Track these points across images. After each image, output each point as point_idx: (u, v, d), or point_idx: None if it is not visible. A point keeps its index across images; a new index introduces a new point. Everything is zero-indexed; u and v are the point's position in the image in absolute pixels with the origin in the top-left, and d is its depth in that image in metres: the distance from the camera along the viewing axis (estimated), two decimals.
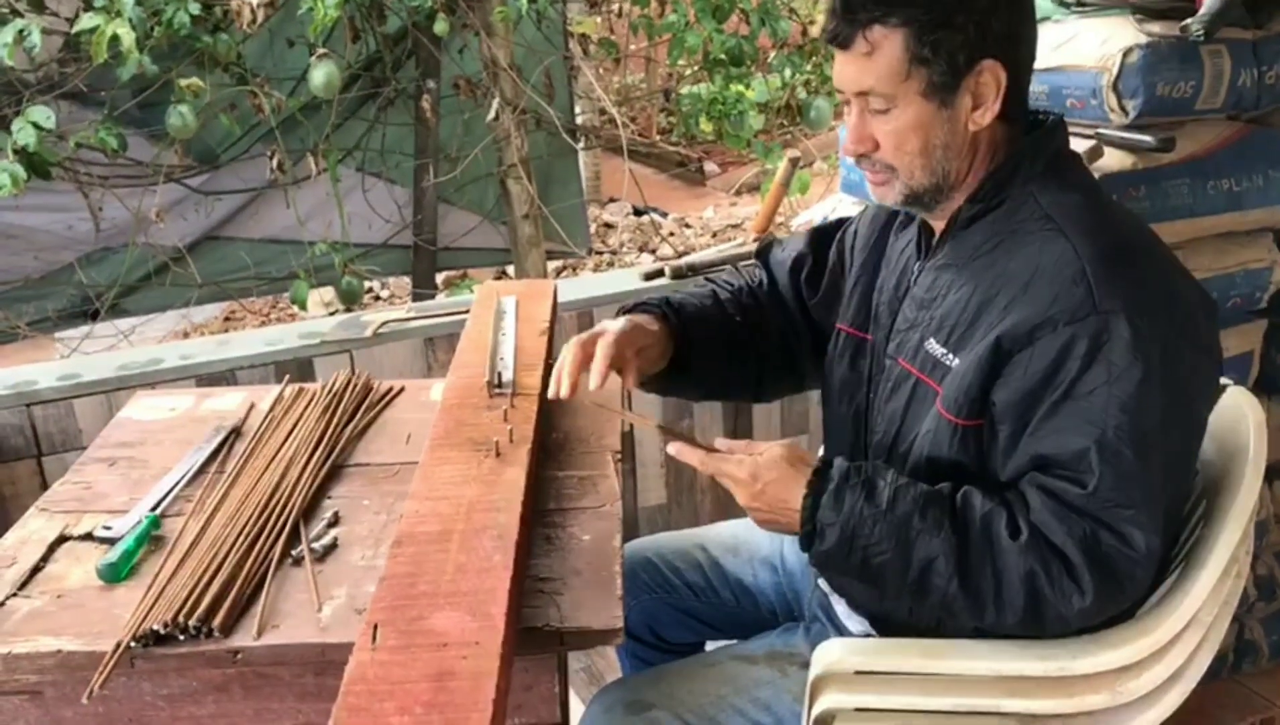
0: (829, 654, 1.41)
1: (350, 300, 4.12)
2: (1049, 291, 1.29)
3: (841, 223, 1.72)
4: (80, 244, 4.12)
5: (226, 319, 5.62)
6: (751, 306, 1.72)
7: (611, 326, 1.54)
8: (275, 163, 3.89)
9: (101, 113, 3.76)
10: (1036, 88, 2.00)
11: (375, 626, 1.12)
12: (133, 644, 1.24)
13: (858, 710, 1.39)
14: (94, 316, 4.16)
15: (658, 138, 7.16)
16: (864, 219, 1.66)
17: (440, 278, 4.99)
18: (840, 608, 1.58)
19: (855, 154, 1.42)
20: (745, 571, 1.76)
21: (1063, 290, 1.28)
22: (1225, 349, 2.07)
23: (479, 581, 1.20)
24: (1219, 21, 1.81)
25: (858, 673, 1.40)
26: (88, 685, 1.22)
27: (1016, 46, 1.36)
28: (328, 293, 4.89)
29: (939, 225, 1.47)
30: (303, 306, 4.09)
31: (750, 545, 1.78)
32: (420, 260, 4.71)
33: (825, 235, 1.73)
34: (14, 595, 1.36)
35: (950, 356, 1.38)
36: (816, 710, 1.39)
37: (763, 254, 1.78)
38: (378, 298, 6.04)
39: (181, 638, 1.26)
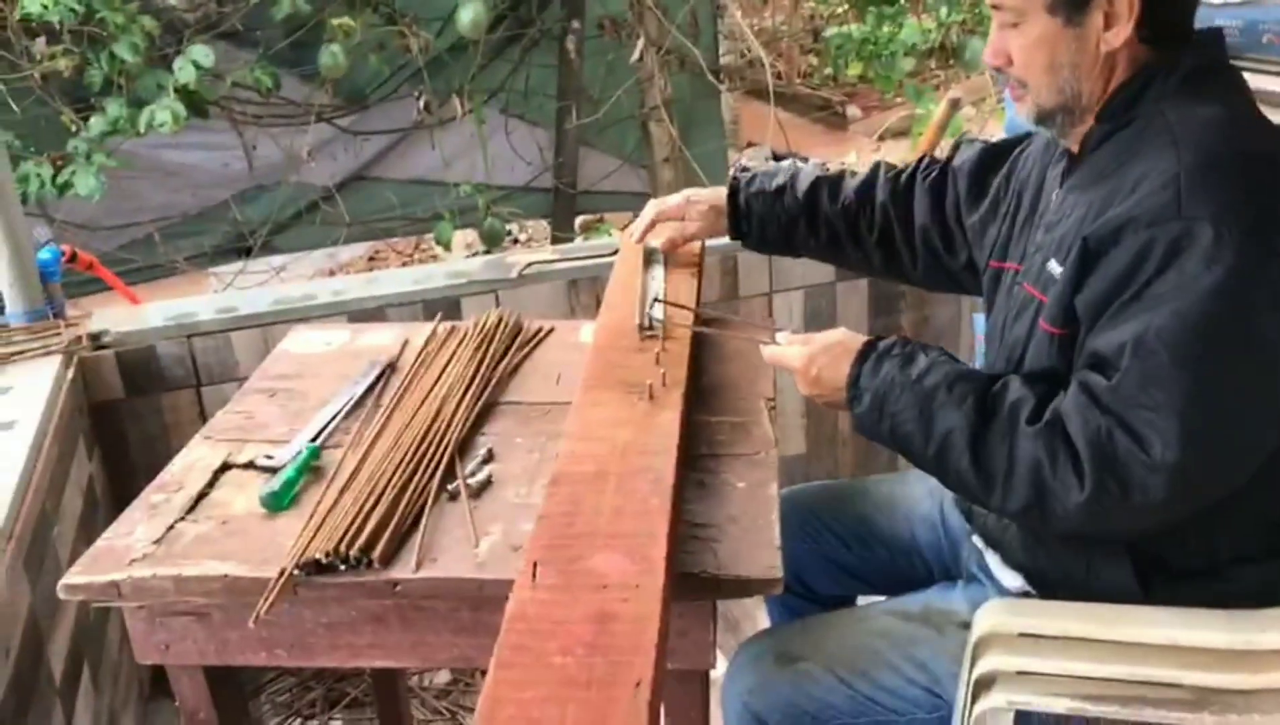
0: (993, 615, 1.36)
1: (493, 242, 4.15)
2: (1140, 194, 1.24)
3: (1021, 140, 1.65)
4: (235, 182, 4.22)
5: (370, 259, 5.73)
6: (891, 192, 1.75)
7: (670, 198, 1.85)
8: (422, 103, 3.92)
9: (256, 53, 3.83)
10: (1229, 23, 1.86)
11: (535, 564, 1.11)
12: (296, 572, 1.26)
13: (1020, 674, 1.33)
14: (247, 253, 4.27)
15: (799, 81, 7.01)
16: (1036, 146, 1.59)
17: (577, 222, 4.99)
18: (993, 562, 1.52)
19: (992, 66, 1.42)
20: (902, 527, 1.71)
21: (1151, 192, 1.23)
22: None
23: (637, 524, 1.19)
24: None
25: (1022, 635, 1.34)
26: (252, 609, 1.24)
27: None
28: (469, 234, 4.94)
29: (1075, 149, 1.42)
30: (447, 247, 4.14)
31: (908, 502, 1.73)
32: (560, 203, 4.71)
33: (998, 152, 1.68)
34: (182, 519, 1.39)
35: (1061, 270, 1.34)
36: (978, 672, 1.34)
37: (957, 146, 1.78)
38: (515, 241, 6.08)
39: (342, 567, 1.27)
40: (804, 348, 1.45)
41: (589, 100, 4.34)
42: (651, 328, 1.64)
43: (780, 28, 7.10)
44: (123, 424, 2.42)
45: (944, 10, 3.94)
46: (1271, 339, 1.21)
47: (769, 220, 1.80)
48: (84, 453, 2.25)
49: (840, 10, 4.62)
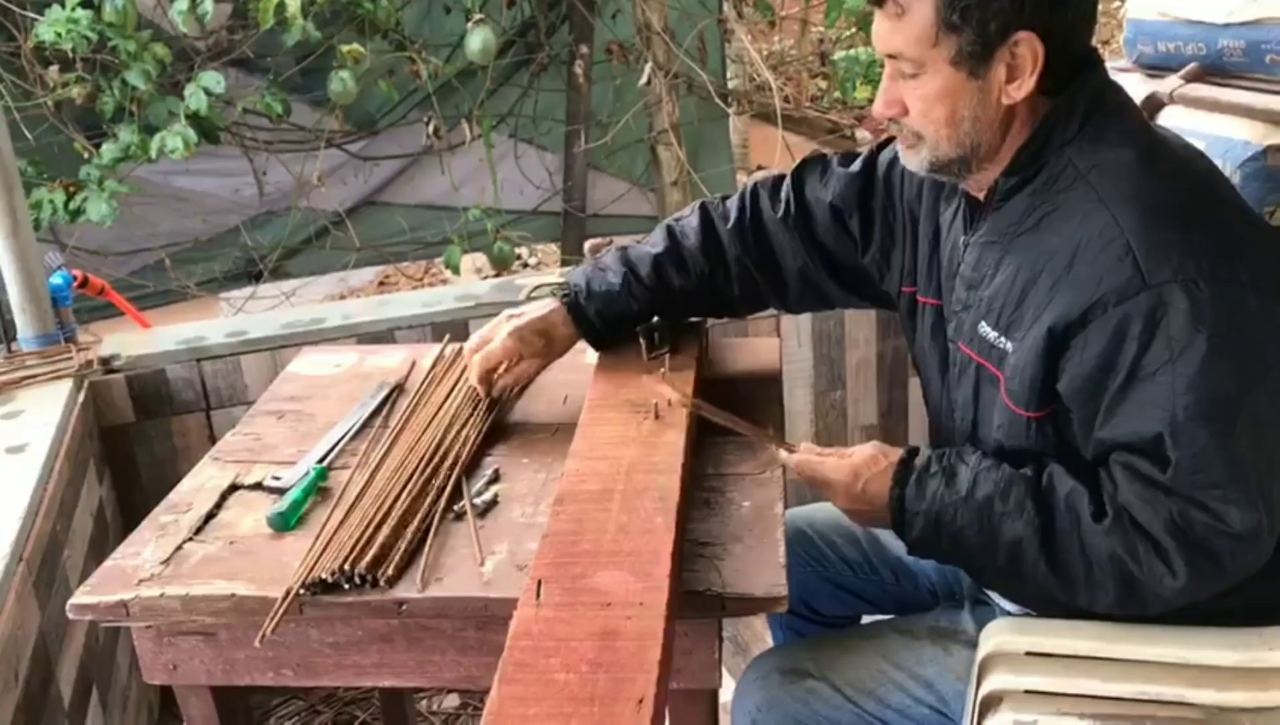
0: (999, 633, 1.36)
1: (502, 265, 4.17)
2: (1095, 270, 1.22)
3: (874, 157, 1.60)
4: (245, 207, 4.26)
5: (381, 283, 5.75)
6: (741, 244, 1.64)
7: (494, 343, 1.61)
8: (431, 129, 3.94)
9: (267, 79, 3.87)
10: (1231, 43, 1.87)
11: (539, 582, 1.12)
12: (302, 591, 1.26)
13: (1027, 693, 1.33)
14: (257, 278, 4.29)
15: (807, 104, 7.03)
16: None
17: (586, 246, 5.00)
18: (994, 593, 1.52)
19: (884, 117, 1.37)
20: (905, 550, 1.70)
21: (1109, 268, 1.21)
22: None
23: (641, 542, 1.19)
24: None
25: (1029, 653, 1.34)
26: (259, 629, 1.24)
27: (1059, 18, 1.26)
28: (479, 258, 4.96)
29: (980, 197, 1.39)
30: (456, 271, 4.15)
31: None
32: (569, 227, 4.73)
33: (862, 173, 1.60)
34: (190, 539, 1.40)
35: (1003, 340, 1.33)
36: (984, 691, 1.34)
37: (800, 173, 1.66)
38: (525, 265, 6.10)
39: (348, 587, 1.27)
40: (843, 461, 1.41)
41: (597, 124, 4.37)
42: (658, 348, 1.65)
43: (788, 51, 7.13)
44: (133, 447, 2.43)
45: None
46: None
47: (623, 320, 1.65)
48: (94, 476, 2.26)
49: (848, 34, 4.64)
